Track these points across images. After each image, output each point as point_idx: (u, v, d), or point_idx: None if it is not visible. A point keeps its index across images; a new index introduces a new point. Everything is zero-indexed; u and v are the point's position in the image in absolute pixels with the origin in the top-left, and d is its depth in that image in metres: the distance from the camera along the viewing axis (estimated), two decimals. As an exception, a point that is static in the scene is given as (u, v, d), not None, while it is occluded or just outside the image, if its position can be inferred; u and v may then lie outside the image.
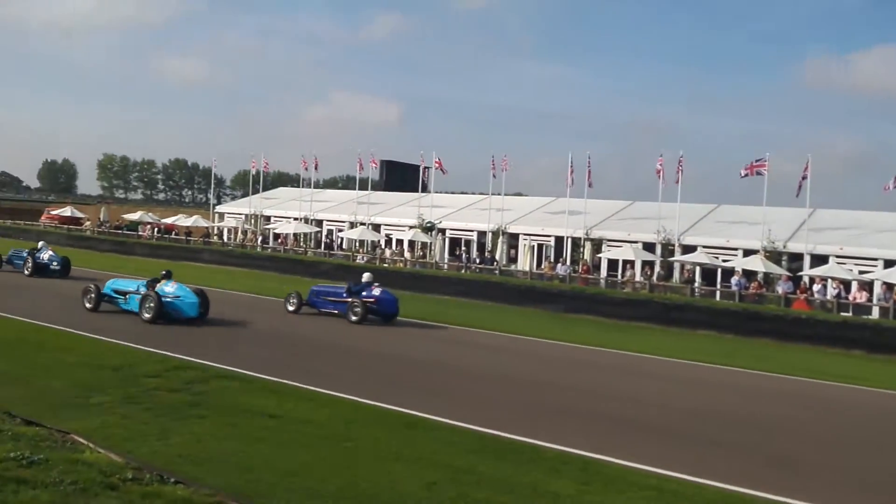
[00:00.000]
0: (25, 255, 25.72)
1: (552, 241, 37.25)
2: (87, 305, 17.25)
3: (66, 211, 57.41)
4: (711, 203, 38.18)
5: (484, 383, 12.49)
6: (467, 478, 7.29)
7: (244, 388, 10.48)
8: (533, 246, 37.52)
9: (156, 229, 48.74)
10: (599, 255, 34.59)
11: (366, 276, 20.23)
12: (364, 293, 19.29)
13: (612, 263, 33.91)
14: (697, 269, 32.11)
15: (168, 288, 16.70)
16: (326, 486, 6.76)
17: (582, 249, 35.38)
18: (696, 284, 30.53)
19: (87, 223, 52.78)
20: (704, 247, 32.16)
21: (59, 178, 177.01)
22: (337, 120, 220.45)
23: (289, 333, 16.60)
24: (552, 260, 35.21)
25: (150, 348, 12.82)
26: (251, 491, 6.46)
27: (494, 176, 38.60)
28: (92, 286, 17.56)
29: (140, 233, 47.71)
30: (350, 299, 19.10)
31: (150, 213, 55.46)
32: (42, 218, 57.62)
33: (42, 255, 25.66)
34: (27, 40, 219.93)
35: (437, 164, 40.26)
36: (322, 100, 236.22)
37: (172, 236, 46.53)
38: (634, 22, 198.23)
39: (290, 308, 19.91)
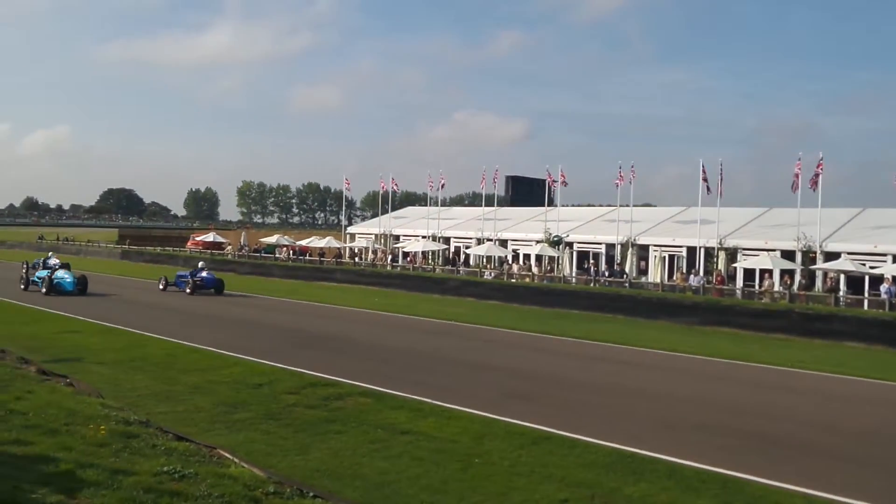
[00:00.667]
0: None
1: (684, 252, 36.14)
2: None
3: (210, 237, 60.73)
4: (856, 207, 36.06)
5: (615, 398, 12.25)
6: (600, 495, 7.17)
7: (377, 404, 10.72)
8: (664, 257, 36.54)
9: (291, 251, 50.67)
10: (734, 265, 33.26)
11: (200, 264, 31.74)
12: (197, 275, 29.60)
13: (749, 273, 32.52)
14: (842, 276, 30.34)
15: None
16: (460, 502, 6.82)
17: (716, 259, 34.14)
18: (842, 293, 28.84)
19: (229, 247, 55.55)
20: (849, 253, 30.33)
21: (202, 205, 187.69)
22: (462, 138, 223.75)
23: (406, 350, 16.83)
24: (684, 271, 34.14)
25: (288, 366, 13.34)
26: (386, 506, 6.60)
27: (620, 185, 37.89)
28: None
29: (277, 255, 49.73)
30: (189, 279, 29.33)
31: (285, 236, 57.76)
32: (188, 244, 61.10)
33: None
34: (169, 79, 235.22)
35: (561, 179, 39.96)
36: (447, 119, 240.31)
37: (307, 258, 48.24)
38: (757, 21, 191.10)
39: None
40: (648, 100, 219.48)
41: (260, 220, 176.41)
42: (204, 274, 29.91)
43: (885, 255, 29.79)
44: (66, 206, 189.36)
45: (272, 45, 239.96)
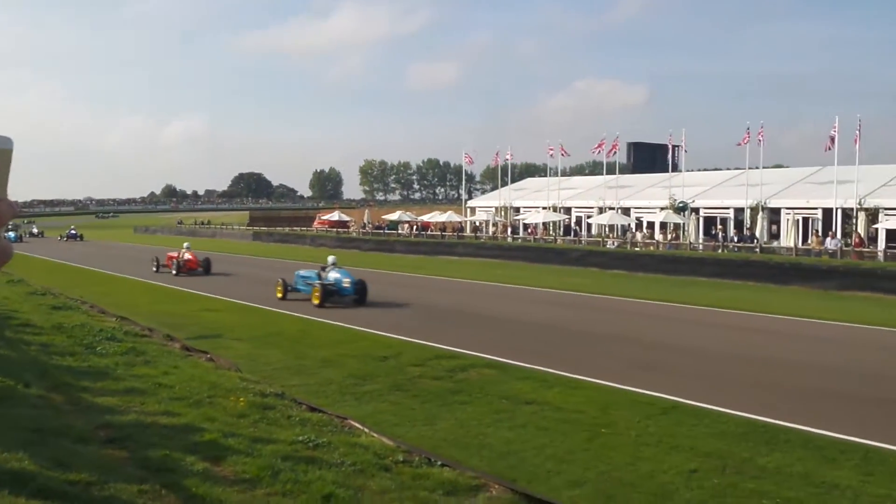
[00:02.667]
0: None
1: (819, 214, 34.32)
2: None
3: (334, 216, 62.58)
4: None
5: (747, 367, 11.84)
6: (731, 465, 7.00)
7: (502, 375, 10.81)
8: (797, 220, 34.87)
9: (413, 227, 51.50)
10: (876, 226, 31.36)
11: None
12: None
13: (892, 234, 30.60)
14: None
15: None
16: (587, 472, 6.82)
17: (854, 221, 32.26)
18: None
19: (353, 225, 57.04)
20: None
21: (326, 185, 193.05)
22: (581, 106, 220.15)
23: (530, 322, 16.81)
24: (820, 234, 32.47)
25: (412, 339, 13.63)
26: (513, 475, 6.68)
27: (748, 146, 36.30)
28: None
29: (399, 231, 50.66)
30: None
31: (407, 213, 58.80)
32: (314, 224, 63.13)
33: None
34: (295, 65, 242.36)
35: (683, 144, 38.72)
36: (566, 88, 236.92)
37: (429, 233, 48.90)
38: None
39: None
40: (779, 56, 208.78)
41: (382, 198, 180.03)
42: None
43: None
44: (200, 192, 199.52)
45: (392, 25, 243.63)
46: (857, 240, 30.33)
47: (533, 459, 7.16)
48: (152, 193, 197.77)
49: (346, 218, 61.66)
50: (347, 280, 19.00)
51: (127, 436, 6.60)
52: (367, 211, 67.28)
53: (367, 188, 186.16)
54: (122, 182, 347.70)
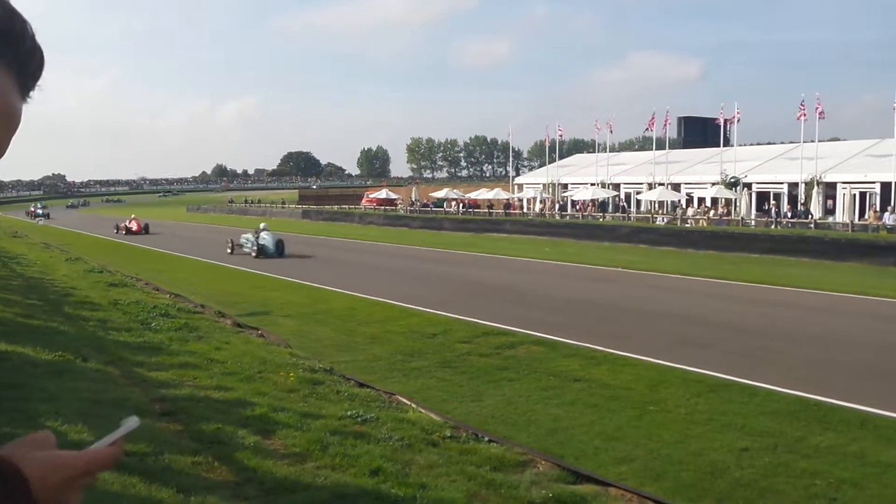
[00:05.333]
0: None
1: (877, 188, 33.42)
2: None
3: (382, 193, 62.86)
4: None
5: (799, 345, 11.62)
6: (783, 444, 6.90)
7: (549, 352, 10.78)
8: (854, 195, 33.99)
9: (461, 204, 51.48)
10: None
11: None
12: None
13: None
14: None
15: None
16: (635, 449, 6.79)
17: (915, 194, 31.34)
18: None
19: (400, 203, 57.24)
20: None
21: (374, 163, 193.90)
22: (632, 80, 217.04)
23: (578, 299, 16.70)
24: (878, 209, 31.59)
25: (461, 316, 13.65)
26: (561, 451, 6.68)
27: (803, 120, 35.38)
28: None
29: (447, 208, 50.68)
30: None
31: (454, 190, 58.85)
32: (362, 202, 63.51)
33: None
34: (344, 44, 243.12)
35: (736, 116, 37.87)
36: (616, 62, 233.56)
37: (476, 210, 48.82)
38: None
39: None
40: (838, 23, 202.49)
41: (429, 175, 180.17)
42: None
43: None
44: (250, 171, 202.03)
45: (446, 3, 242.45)
46: (917, 214, 29.49)
47: (581, 436, 7.14)
48: (203, 173, 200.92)
49: (393, 196, 61.88)
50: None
51: (181, 409, 6.77)
52: (414, 188, 67.50)
53: (415, 166, 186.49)
54: (175, 162, 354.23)
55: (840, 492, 5.85)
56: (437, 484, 5.46)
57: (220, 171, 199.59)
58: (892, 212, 29.67)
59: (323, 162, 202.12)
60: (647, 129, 41.56)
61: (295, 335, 12.04)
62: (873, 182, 33.50)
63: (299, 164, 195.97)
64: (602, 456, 6.62)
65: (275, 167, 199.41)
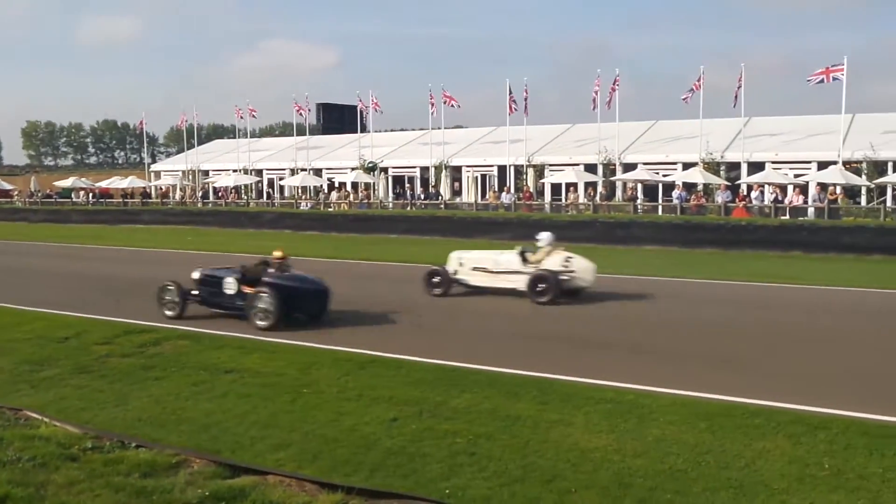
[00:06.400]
0: None
1: (495, 171, 37.27)
2: None
3: (-6, 184, 55.38)
4: (649, 120, 38.48)
5: (432, 315, 12.58)
6: (427, 410, 7.40)
7: (197, 345, 10.40)
8: (476, 177, 37.53)
9: (90, 194, 47.41)
10: (542, 181, 34.79)
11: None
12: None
13: (556, 188, 34.18)
14: (639, 186, 32.56)
15: None
16: (291, 434, 6.82)
17: (525, 176, 35.51)
18: (639, 201, 30.97)
19: (17, 195, 51.10)
20: (645, 163, 32.56)
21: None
22: (269, 67, 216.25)
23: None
24: (496, 190, 35.29)
25: (96, 316, 12.59)
26: (216, 446, 6.49)
27: (433, 110, 38.08)
28: None
29: (74, 199, 46.37)
30: None
31: (82, 179, 53.96)
32: (-33, 194, 55.54)
33: None
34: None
35: (373, 104, 39.58)
36: (253, 48, 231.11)
37: (110, 200, 45.30)
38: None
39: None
40: (461, 20, 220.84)
41: (52, 163, 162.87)
42: None
43: (675, 163, 32.21)
44: None
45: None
46: (527, 194, 33.44)
47: (236, 428, 7.00)
48: None
49: (8, 186, 54.86)
50: None
51: None
52: (33, 178, 60.51)
53: (34, 152, 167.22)
54: None
55: (477, 446, 6.45)
56: (80, 502, 4.99)
57: None
58: (508, 192, 33.30)
59: None
60: (298, 112, 41.59)
61: None
62: (491, 165, 37.30)
63: None
64: (259, 445, 6.55)
65: None
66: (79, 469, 5.68)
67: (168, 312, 12.56)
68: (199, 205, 40.64)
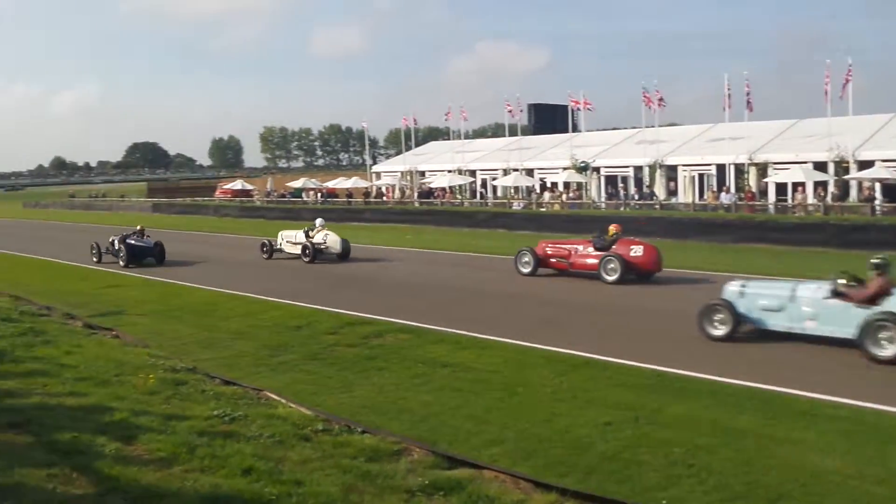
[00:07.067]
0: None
1: (713, 170, 35.55)
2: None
3: (237, 184, 60.78)
4: (888, 113, 35.11)
5: (651, 320, 12.25)
6: (643, 417, 7.24)
7: (416, 339, 10.83)
8: (693, 176, 36.07)
9: (318, 194, 50.75)
10: (766, 180, 32.77)
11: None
12: None
13: (781, 188, 32.05)
14: (877, 185, 29.77)
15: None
16: (505, 431, 6.94)
17: (746, 175, 33.62)
18: (877, 202, 28.32)
19: (256, 194, 55.75)
20: (884, 160, 29.70)
21: (226, 154, 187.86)
22: (482, 70, 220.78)
23: (441, 285, 16.86)
24: (715, 189, 33.70)
25: (325, 307, 13.47)
26: (434, 437, 6.73)
27: (648, 107, 37.10)
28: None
29: (305, 198, 49.84)
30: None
31: (311, 179, 57.80)
32: (216, 193, 61.34)
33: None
34: (186, 31, 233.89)
35: (584, 103, 39.21)
36: (466, 51, 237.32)
37: (335, 199, 48.27)
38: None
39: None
40: (674, 15, 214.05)
41: (285, 165, 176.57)
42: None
43: (920, 159, 29.13)
44: (93, 164, 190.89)
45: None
46: (748, 194, 31.65)
47: (452, 421, 7.23)
48: (40, 166, 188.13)
49: (248, 186, 60.03)
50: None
51: (30, 419, 6.31)
52: (269, 178, 65.89)
53: (269, 155, 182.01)
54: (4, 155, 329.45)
55: (696, 458, 6.21)
56: (312, 479, 5.37)
57: (60, 164, 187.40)
58: (728, 192, 31.69)
59: (172, 153, 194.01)
60: (509, 113, 42.26)
61: (152, 333, 11.53)
62: (709, 164, 35.64)
63: (146, 156, 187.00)
64: (473, 439, 6.73)
65: (119, 159, 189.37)
66: (311, 449, 6.11)
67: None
68: (417, 204, 42.23)
